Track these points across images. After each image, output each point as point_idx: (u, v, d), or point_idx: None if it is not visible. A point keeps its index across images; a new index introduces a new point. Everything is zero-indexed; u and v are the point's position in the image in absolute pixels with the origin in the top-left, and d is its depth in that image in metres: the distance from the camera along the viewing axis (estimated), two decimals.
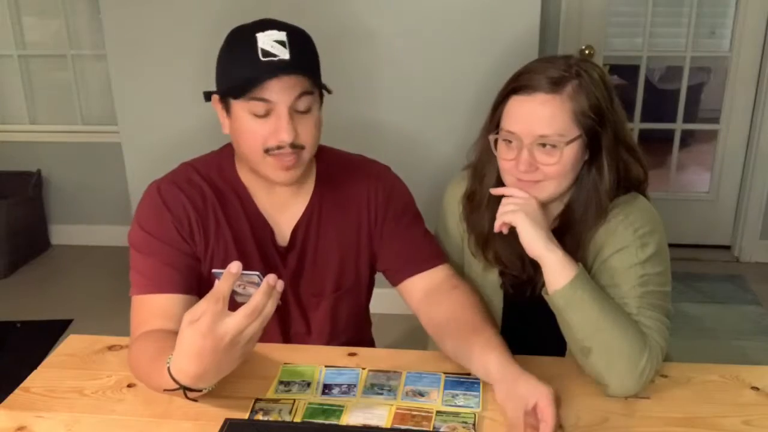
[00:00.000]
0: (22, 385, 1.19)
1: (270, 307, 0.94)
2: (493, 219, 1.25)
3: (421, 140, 2.66)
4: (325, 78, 1.21)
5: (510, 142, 1.19)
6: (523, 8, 2.48)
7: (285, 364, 1.23)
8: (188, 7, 2.56)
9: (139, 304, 1.22)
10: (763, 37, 3.10)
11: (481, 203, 1.30)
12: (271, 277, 0.94)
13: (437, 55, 2.56)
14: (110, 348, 1.30)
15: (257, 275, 0.95)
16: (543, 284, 1.18)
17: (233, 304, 0.94)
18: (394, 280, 1.35)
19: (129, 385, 1.18)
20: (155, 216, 1.24)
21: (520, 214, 1.17)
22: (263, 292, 0.93)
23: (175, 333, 1.14)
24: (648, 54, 3.20)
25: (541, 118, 1.15)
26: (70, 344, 1.33)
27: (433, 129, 2.65)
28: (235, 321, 0.92)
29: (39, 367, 1.24)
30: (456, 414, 1.09)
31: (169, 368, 1.00)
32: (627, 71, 3.42)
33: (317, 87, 1.19)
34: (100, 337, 1.33)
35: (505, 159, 1.21)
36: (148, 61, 2.65)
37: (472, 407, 1.11)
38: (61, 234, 3.71)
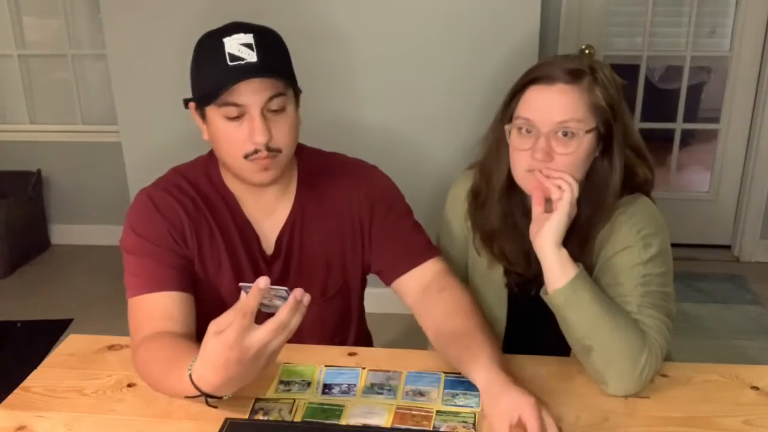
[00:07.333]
0: (22, 385, 1.19)
1: (295, 322, 0.96)
2: (502, 214, 1.25)
3: (421, 144, 2.65)
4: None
5: (527, 132, 1.19)
6: (523, 8, 2.48)
7: (285, 363, 1.22)
8: (188, 7, 2.55)
9: (137, 305, 1.21)
10: (763, 37, 3.10)
11: (488, 199, 1.30)
12: (297, 292, 0.96)
13: (437, 56, 2.55)
14: (110, 348, 1.30)
15: (285, 290, 0.97)
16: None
17: (259, 314, 0.95)
18: (387, 280, 1.35)
19: (129, 385, 1.18)
20: (148, 221, 1.24)
21: (568, 197, 1.15)
22: (289, 308, 0.94)
23: (179, 334, 1.16)
24: (648, 54, 3.20)
25: (561, 106, 1.16)
26: (70, 344, 1.33)
27: (434, 132, 2.64)
28: (260, 335, 0.93)
29: (39, 367, 1.25)
30: (456, 414, 1.09)
31: (190, 375, 1.00)
32: (627, 71, 3.41)
33: (290, 87, 1.19)
34: (100, 337, 1.34)
35: (520, 149, 1.20)
36: (148, 61, 2.65)
37: (472, 407, 1.11)
38: (61, 234, 3.71)
